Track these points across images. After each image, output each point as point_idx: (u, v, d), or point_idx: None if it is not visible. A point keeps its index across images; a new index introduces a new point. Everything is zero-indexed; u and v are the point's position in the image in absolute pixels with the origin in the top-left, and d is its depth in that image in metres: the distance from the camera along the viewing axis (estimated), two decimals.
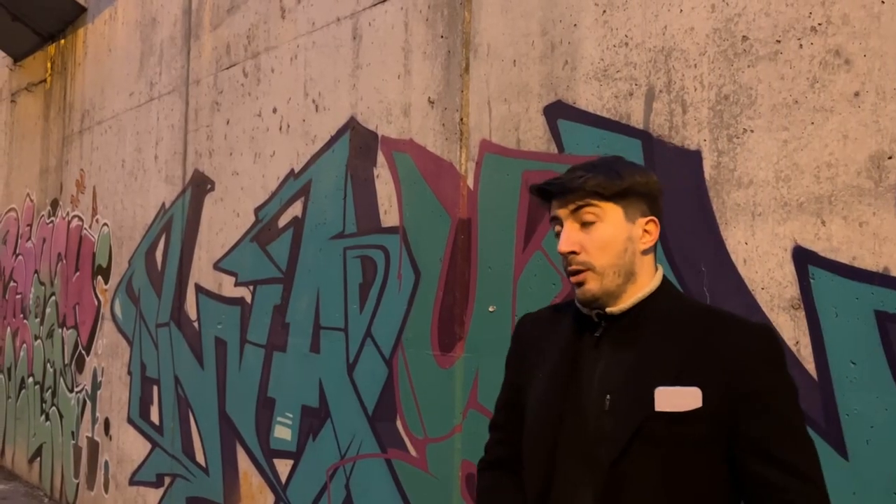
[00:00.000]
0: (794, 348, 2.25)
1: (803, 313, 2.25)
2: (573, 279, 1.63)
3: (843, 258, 2.18)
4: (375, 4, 3.92)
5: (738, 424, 1.52)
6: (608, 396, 1.58)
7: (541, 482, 1.64)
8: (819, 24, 2.26)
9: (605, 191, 1.60)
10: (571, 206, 1.62)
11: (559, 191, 1.64)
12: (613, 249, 1.61)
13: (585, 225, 1.62)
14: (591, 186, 1.60)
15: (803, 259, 2.26)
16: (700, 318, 1.63)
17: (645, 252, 1.66)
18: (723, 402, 1.52)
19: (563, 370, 1.67)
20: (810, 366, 2.22)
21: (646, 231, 1.66)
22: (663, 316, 1.62)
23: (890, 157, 2.10)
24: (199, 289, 5.28)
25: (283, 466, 4.38)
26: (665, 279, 1.69)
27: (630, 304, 1.64)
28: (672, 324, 1.61)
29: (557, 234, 1.66)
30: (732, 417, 1.52)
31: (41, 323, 8.09)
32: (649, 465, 1.51)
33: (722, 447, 1.53)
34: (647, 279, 1.66)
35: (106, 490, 6.49)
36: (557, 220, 1.66)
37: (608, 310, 1.64)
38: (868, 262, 2.13)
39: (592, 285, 1.61)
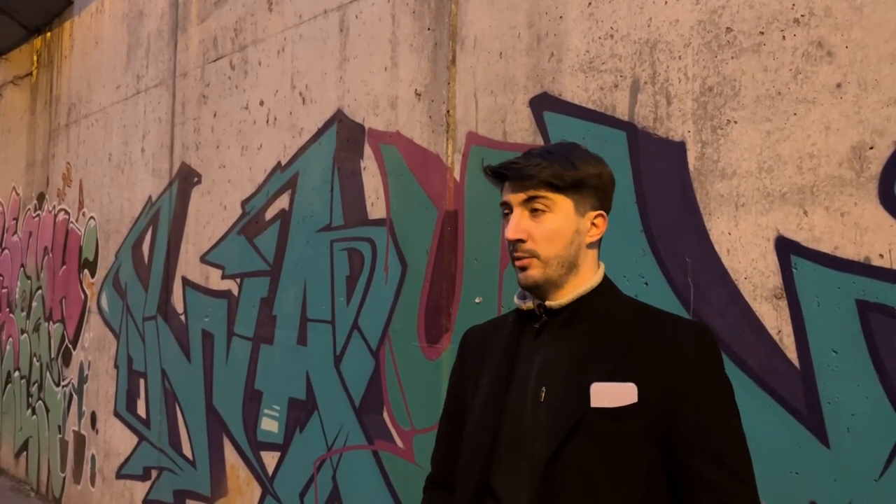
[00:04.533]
0: (776, 337, 2.27)
1: (786, 303, 2.26)
2: (517, 264, 1.64)
3: (825, 248, 2.19)
4: None
5: (673, 420, 1.52)
6: (544, 388, 1.60)
7: (475, 484, 1.64)
8: (802, 16, 2.28)
9: (560, 182, 1.60)
10: (523, 195, 1.62)
11: (514, 176, 1.63)
12: (560, 241, 1.62)
13: (535, 214, 1.62)
14: (546, 176, 1.60)
15: (786, 249, 2.28)
16: (637, 315, 1.64)
17: (590, 245, 1.67)
18: (658, 397, 1.52)
19: (503, 368, 1.68)
20: (792, 355, 2.24)
21: (594, 225, 1.66)
22: (602, 312, 1.63)
23: (871, 148, 2.12)
24: (186, 282, 5.27)
25: (270, 459, 4.38)
26: (606, 277, 1.69)
27: (570, 299, 1.64)
28: (610, 320, 1.62)
29: (506, 219, 1.66)
30: (668, 413, 1.52)
31: (27, 317, 8.06)
32: (586, 459, 1.52)
33: (659, 443, 1.53)
34: (590, 273, 1.67)
35: (93, 484, 6.47)
36: (507, 206, 1.66)
37: (548, 303, 1.65)
38: (850, 252, 2.15)
39: (535, 272, 1.62)
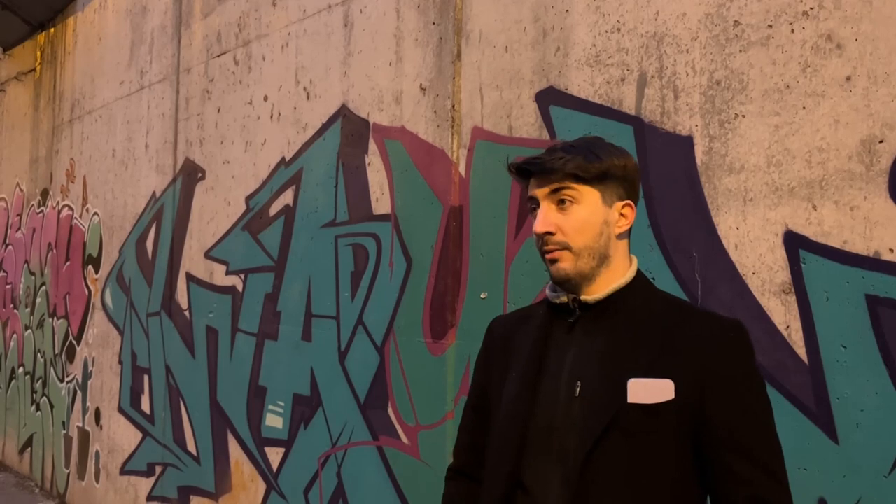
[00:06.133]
0: (784, 332, 2.26)
1: (794, 298, 2.25)
2: (548, 257, 1.64)
3: (834, 242, 2.18)
4: None
5: (707, 414, 1.52)
6: (578, 383, 1.58)
7: (506, 477, 1.63)
8: (811, 9, 2.26)
9: (585, 173, 1.60)
10: (550, 188, 1.62)
11: (539, 170, 1.64)
12: (590, 231, 1.61)
13: (562, 206, 1.62)
14: (571, 168, 1.60)
15: (794, 243, 2.26)
16: (673, 311, 1.63)
17: (620, 236, 1.66)
18: (693, 393, 1.52)
19: (534, 361, 1.67)
20: (801, 350, 2.23)
21: (622, 215, 1.65)
22: (637, 308, 1.62)
23: (881, 142, 2.10)
24: (191, 277, 5.26)
25: (274, 455, 4.38)
26: (639, 271, 1.68)
27: (605, 294, 1.63)
28: (645, 316, 1.61)
29: (533, 214, 1.67)
30: (702, 408, 1.52)
31: (31, 313, 8.06)
32: (621, 455, 1.51)
33: (691, 439, 1.53)
34: (622, 265, 1.66)
35: (97, 480, 6.48)
36: (534, 201, 1.66)
37: (583, 297, 1.64)
38: (859, 247, 2.13)
39: (567, 264, 1.61)
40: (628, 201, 1.66)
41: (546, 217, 1.62)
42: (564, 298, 1.67)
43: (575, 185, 1.61)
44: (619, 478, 1.51)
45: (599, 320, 1.63)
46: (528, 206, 1.68)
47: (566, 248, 1.61)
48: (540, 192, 1.64)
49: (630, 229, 1.69)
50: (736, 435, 1.52)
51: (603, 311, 1.63)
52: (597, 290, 1.64)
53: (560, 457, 1.56)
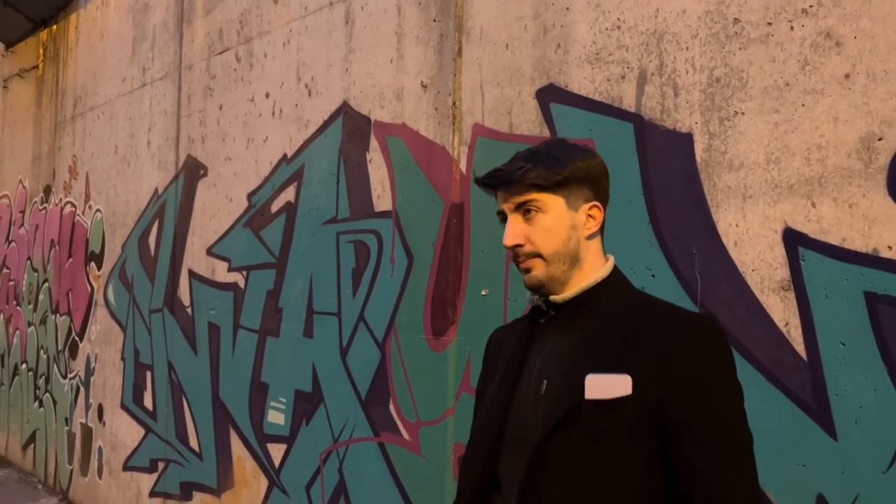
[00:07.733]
0: (783, 329, 2.26)
1: (793, 295, 2.25)
2: (521, 267, 1.67)
3: (833, 240, 2.18)
4: None
5: (671, 412, 1.50)
6: (545, 381, 1.61)
7: (478, 474, 1.65)
8: (810, 6, 2.26)
9: (546, 182, 1.62)
10: (514, 201, 1.65)
11: (501, 184, 1.66)
12: (557, 238, 1.63)
13: (528, 217, 1.64)
14: (532, 179, 1.62)
15: (794, 241, 2.26)
16: (639, 308, 1.63)
17: (590, 237, 1.67)
18: (656, 390, 1.50)
19: (513, 363, 1.70)
20: (800, 347, 2.23)
21: (590, 216, 1.67)
22: (607, 304, 1.63)
23: (880, 139, 2.11)
24: (193, 274, 5.27)
25: (276, 451, 4.39)
26: (615, 269, 1.69)
27: (575, 292, 1.65)
28: (614, 312, 1.61)
29: (503, 225, 1.69)
30: (664, 404, 1.50)
31: (34, 309, 8.08)
32: (576, 447, 1.51)
33: (653, 435, 1.51)
34: (594, 265, 1.67)
35: (100, 476, 6.50)
36: (502, 213, 1.69)
37: (552, 298, 1.66)
38: (858, 244, 2.14)
39: (538, 272, 1.64)
40: (595, 203, 1.67)
41: (513, 230, 1.65)
42: (538, 300, 1.71)
43: (538, 196, 1.63)
44: (574, 470, 1.51)
45: (570, 320, 1.65)
46: (499, 219, 1.71)
47: (537, 255, 1.64)
48: (506, 207, 1.67)
49: (602, 229, 1.70)
50: (698, 430, 1.49)
51: (576, 310, 1.65)
52: (567, 291, 1.66)
53: (523, 452, 1.58)
